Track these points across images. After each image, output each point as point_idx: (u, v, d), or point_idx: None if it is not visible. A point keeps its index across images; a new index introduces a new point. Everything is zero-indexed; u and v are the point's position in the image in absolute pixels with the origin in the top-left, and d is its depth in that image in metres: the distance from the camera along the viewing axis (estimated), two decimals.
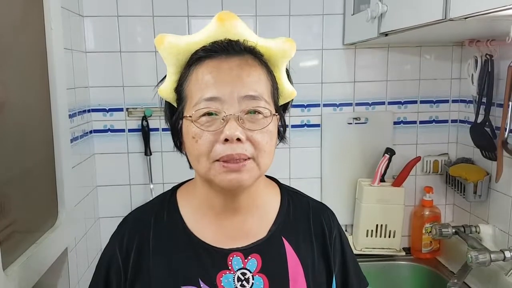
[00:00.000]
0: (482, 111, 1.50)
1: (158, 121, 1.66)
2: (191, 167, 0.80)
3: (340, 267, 0.87)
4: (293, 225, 0.84)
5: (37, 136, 1.12)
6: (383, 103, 1.75)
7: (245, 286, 0.77)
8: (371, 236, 1.70)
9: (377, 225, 1.69)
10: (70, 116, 1.35)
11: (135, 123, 1.65)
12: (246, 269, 0.78)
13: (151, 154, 1.66)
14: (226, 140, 0.70)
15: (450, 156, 1.78)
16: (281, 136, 0.83)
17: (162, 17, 1.61)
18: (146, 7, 1.60)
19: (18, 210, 0.99)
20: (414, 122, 1.77)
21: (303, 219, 0.85)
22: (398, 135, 1.76)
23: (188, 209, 0.82)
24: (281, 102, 0.83)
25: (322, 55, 1.69)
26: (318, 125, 1.73)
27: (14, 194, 0.97)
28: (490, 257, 1.31)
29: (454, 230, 1.53)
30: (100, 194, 1.67)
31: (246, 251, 0.79)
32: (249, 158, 0.72)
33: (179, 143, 0.81)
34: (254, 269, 0.78)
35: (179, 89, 0.78)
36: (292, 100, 0.85)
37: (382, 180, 1.69)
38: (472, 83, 1.54)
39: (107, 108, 1.63)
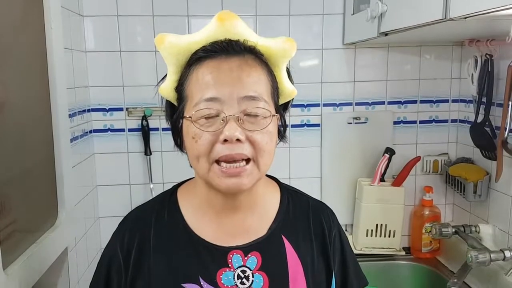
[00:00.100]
0: (482, 110, 1.50)
1: (158, 121, 1.66)
2: (191, 165, 0.80)
3: (340, 266, 0.87)
4: (293, 224, 0.84)
5: (37, 136, 1.12)
6: (383, 102, 1.75)
7: (245, 284, 0.77)
8: (371, 235, 1.70)
9: (377, 225, 1.69)
10: (70, 116, 1.35)
11: (135, 123, 1.65)
12: (246, 266, 0.78)
13: (151, 153, 1.66)
14: (226, 140, 0.71)
15: (450, 156, 1.78)
16: (281, 135, 0.83)
17: (162, 16, 1.61)
18: (146, 7, 1.60)
19: (18, 210, 0.99)
20: (414, 122, 1.77)
21: (303, 218, 0.86)
22: (398, 135, 1.76)
23: (188, 208, 0.83)
24: (282, 101, 0.83)
25: (322, 54, 1.69)
26: (318, 125, 1.73)
27: (14, 193, 0.97)
28: (490, 256, 1.31)
29: (454, 230, 1.53)
30: (100, 193, 1.67)
31: (246, 249, 0.79)
32: (248, 159, 0.73)
33: (179, 141, 0.82)
34: (254, 266, 0.78)
35: (180, 88, 0.78)
36: (293, 99, 0.86)
37: (382, 179, 1.69)
38: (472, 82, 1.54)
39: (107, 108, 1.63)
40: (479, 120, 1.53)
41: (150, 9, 1.60)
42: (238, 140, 0.71)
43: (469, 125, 1.60)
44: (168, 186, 0.89)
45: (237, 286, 0.77)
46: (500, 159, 1.41)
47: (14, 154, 0.98)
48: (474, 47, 1.52)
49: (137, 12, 1.60)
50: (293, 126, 1.71)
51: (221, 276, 0.77)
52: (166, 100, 0.83)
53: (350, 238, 1.75)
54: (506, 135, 1.36)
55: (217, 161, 0.73)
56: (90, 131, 1.61)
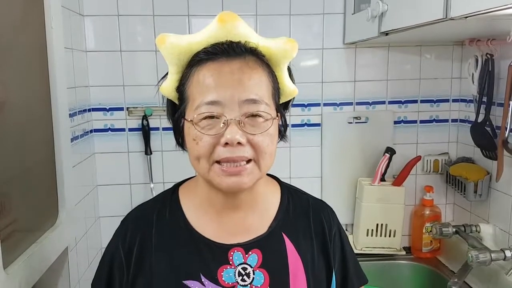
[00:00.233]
0: (482, 110, 1.50)
1: (158, 120, 1.66)
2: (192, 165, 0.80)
3: (340, 264, 0.88)
4: (293, 222, 0.85)
5: (37, 136, 1.12)
6: (383, 102, 1.75)
7: (245, 281, 0.78)
8: (372, 235, 1.70)
9: (377, 225, 1.69)
10: (71, 115, 1.35)
11: (136, 122, 1.65)
12: (247, 264, 0.79)
13: (151, 153, 1.66)
14: (227, 143, 0.71)
15: (451, 156, 1.78)
16: (281, 134, 0.84)
17: (163, 16, 1.61)
18: (146, 6, 1.60)
19: (19, 209, 0.99)
20: (415, 122, 1.77)
21: (303, 217, 0.86)
22: (399, 135, 1.76)
23: (189, 206, 0.83)
24: (282, 100, 0.83)
25: (323, 54, 1.69)
26: (318, 125, 1.73)
27: (14, 193, 0.97)
28: (491, 256, 1.31)
29: (454, 230, 1.53)
30: (100, 193, 1.67)
31: (246, 247, 0.80)
32: (249, 160, 0.74)
33: (181, 140, 0.82)
34: (255, 264, 0.79)
35: (181, 89, 0.78)
36: (294, 98, 0.86)
37: (382, 179, 1.69)
38: (473, 82, 1.54)
39: (107, 107, 1.63)
40: (479, 119, 1.53)
41: (151, 9, 1.60)
42: (239, 143, 0.71)
43: (470, 125, 1.60)
44: (168, 186, 0.89)
45: (238, 283, 0.77)
46: (500, 159, 1.41)
47: (15, 154, 0.98)
48: (475, 46, 1.52)
49: (138, 11, 1.60)
50: (293, 125, 1.71)
51: (222, 273, 0.77)
52: (168, 99, 0.83)
53: (350, 237, 1.75)
54: (506, 135, 1.36)
55: (218, 161, 0.73)
56: (91, 131, 1.61)
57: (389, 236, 1.70)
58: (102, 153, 1.65)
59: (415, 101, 1.76)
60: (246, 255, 0.79)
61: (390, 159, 1.67)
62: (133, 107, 1.64)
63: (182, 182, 0.89)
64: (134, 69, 1.63)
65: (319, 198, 0.95)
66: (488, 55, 1.46)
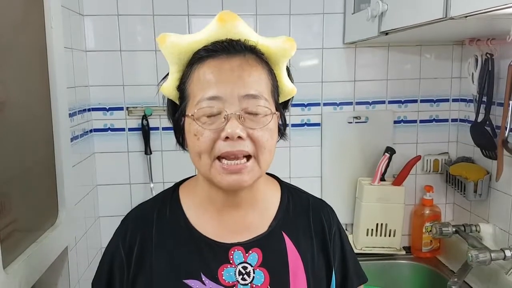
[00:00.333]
0: (482, 110, 1.50)
1: (158, 120, 1.66)
2: (193, 163, 0.80)
3: (340, 263, 0.88)
4: (293, 221, 0.85)
5: (37, 135, 1.12)
6: (383, 102, 1.75)
7: (246, 280, 0.78)
8: (371, 235, 1.70)
9: (377, 224, 1.69)
10: (70, 115, 1.35)
11: (135, 122, 1.65)
12: (247, 263, 0.79)
13: (151, 153, 1.66)
14: (227, 138, 0.72)
15: (451, 155, 1.78)
16: (281, 133, 0.84)
17: (162, 16, 1.61)
18: (146, 6, 1.60)
19: (19, 209, 0.99)
20: (415, 121, 1.77)
21: (303, 216, 0.87)
22: (398, 134, 1.76)
23: (190, 205, 0.84)
24: (282, 99, 0.84)
25: (322, 54, 1.69)
26: (318, 124, 1.73)
27: (14, 193, 0.97)
28: (491, 256, 1.31)
29: (454, 229, 1.53)
30: (100, 193, 1.67)
31: (247, 246, 0.80)
32: (249, 156, 0.74)
33: (181, 140, 0.83)
34: (255, 263, 0.79)
35: (182, 87, 0.79)
36: (293, 97, 0.86)
37: (382, 179, 1.69)
38: (473, 82, 1.54)
39: (107, 107, 1.63)
40: (479, 119, 1.53)
41: (151, 8, 1.60)
42: (239, 137, 0.72)
43: (470, 125, 1.60)
44: (168, 186, 0.90)
45: (238, 282, 0.77)
46: (500, 158, 1.41)
47: (14, 154, 0.98)
48: (475, 46, 1.52)
49: (137, 11, 1.60)
50: (293, 125, 1.71)
51: (222, 272, 0.78)
52: (168, 99, 0.84)
53: (350, 237, 1.75)
54: (506, 134, 1.36)
55: (219, 158, 0.74)
56: (90, 131, 1.61)
57: (389, 235, 1.70)
58: (102, 153, 1.65)
59: (415, 101, 1.76)
60: (246, 254, 0.79)
61: (390, 158, 1.67)
62: (133, 107, 1.64)
63: (182, 181, 0.90)
64: (134, 69, 1.63)
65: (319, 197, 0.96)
66: (488, 55, 1.46)
